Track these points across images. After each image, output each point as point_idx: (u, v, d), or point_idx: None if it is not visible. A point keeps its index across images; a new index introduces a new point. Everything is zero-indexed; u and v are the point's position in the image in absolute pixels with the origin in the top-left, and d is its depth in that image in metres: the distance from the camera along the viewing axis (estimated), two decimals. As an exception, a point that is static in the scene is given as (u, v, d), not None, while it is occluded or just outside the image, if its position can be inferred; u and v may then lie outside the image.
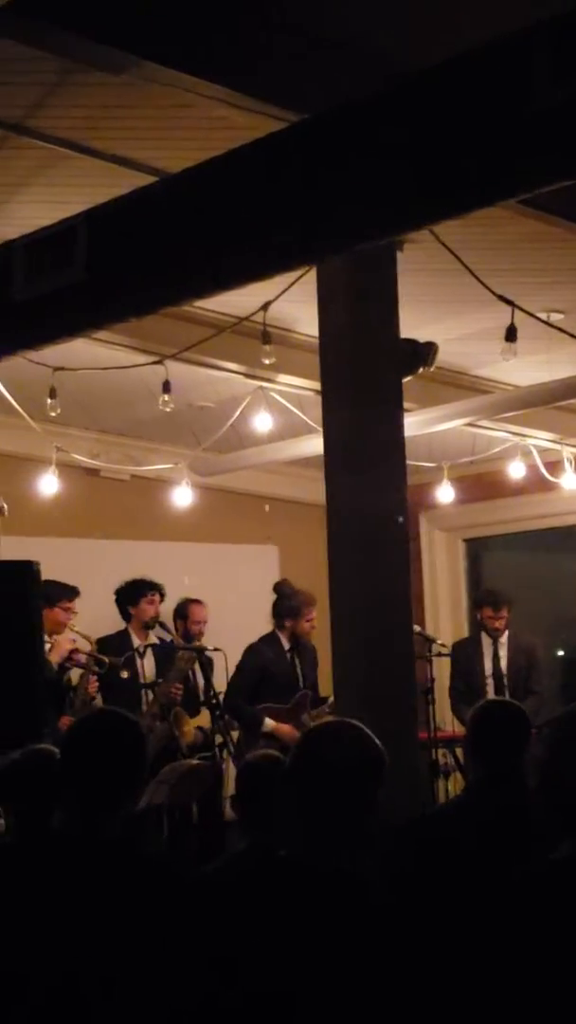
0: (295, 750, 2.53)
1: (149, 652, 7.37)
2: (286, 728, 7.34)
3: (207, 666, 7.42)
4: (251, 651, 7.58)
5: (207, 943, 2.31)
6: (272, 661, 7.57)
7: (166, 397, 5.91)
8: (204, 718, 7.42)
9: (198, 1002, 2.26)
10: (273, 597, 7.88)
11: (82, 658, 6.93)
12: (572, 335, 5.37)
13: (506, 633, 8.26)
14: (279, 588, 7.81)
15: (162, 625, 7.47)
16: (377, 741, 2.55)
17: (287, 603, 7.66)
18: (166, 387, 5.91)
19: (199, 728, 7.31)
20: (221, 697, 7.23)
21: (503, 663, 8.19)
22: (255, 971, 2.25)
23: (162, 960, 2.32)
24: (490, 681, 8.14)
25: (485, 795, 3.59)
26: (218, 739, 7.22)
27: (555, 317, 6.22)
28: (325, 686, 7.14)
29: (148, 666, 7.33)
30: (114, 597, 7.53)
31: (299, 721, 7.34)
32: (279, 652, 7.61)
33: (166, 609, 7.74)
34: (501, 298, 4.74)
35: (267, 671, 7.54)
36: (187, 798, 6.31)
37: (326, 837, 2.38)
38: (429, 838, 3.61)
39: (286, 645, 7.63)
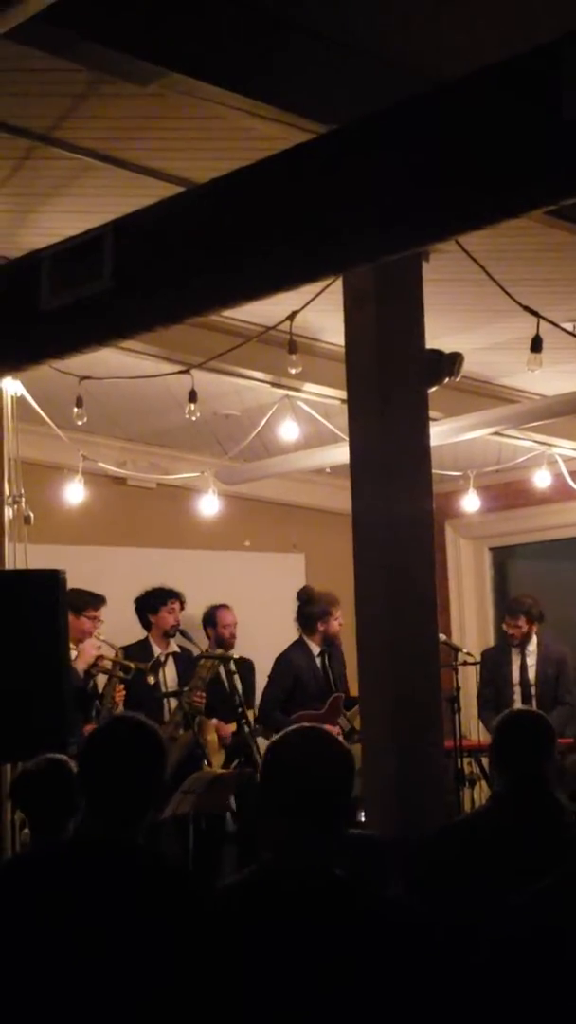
0: (263, 760, 2.50)
1: (171, 661, 7.38)
2: None
3: (246, 673, 7.50)
4: (281, 661, 7.67)
5: (221, 954, 2.31)
6: (303, 669, 7.65)
7: (192, 406, 5.93)
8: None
9: (211, 1012, 2.26)
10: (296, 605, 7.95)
11: (108, 664, 6.94)
12: (598, 345, 5.37)
13: (534, 641, 8.24)
14: (302, 594, 7.87)
15: (183, 633, 7.49)
16: (343, 743, 2.52)
17: (314, 607, 7.74)
18: (192, 396, 5.92)
19: (234, 734, 7.32)
20: (249, 706, 7.35)
21: (531, 672, 8.18)
22: (266, 982, 2.25)
23: (176, 969, 2.32)
24: (517, 690, 8.13)
25: (510, 804, 3.58)
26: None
27: (580, 327, 6.22)
28: (355, 685, 7.19)
29: (170, 675, 7.34)
30: (134, 606, 7.55)
31: (334, 724, 7.40)
32: (309, 659, 7.69)
33: (192, 616, 7.76)
34: (526, 308, 4.74)
35: (298, 679, 7.63)
36: (213, 807, 6.32)
37: (304, 844, 2.37)
38: (455, 847, 3.61)
39: (315, 650, 7.70)
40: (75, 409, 5.99)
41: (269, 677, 7.54)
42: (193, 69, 3.75)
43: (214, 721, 7.28)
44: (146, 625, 7.50)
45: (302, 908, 2.29)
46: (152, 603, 7.48)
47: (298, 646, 7.75)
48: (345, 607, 6.80)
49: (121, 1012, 2.46)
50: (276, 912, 2.29)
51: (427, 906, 3.41)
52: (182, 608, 7.57)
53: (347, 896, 2.34)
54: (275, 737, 2.56)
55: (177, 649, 7.48)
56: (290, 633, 8.19)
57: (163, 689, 7.21)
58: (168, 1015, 2.33)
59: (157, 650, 7.37)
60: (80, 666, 6.78)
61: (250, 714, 7.55)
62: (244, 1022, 2.24)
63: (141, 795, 2.88)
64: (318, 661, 7.68)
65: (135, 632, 7.49)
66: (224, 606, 7.92)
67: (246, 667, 7.70)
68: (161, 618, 7.43)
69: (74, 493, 7.28)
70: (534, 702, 7.93)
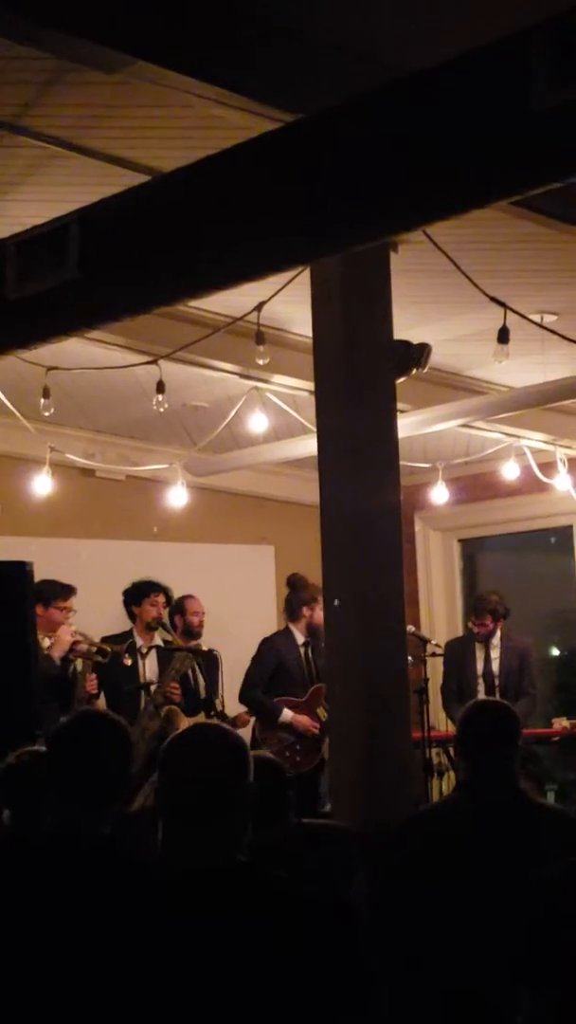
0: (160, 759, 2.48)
1: (153, 653, 7.41)
2: (304, 719, 7.51)
3: (210, 667, 7.54)
4: (267, 643, 7.79)
5: (182, 943, 2.30)
6: (286, 655, 7.75)
7: (160, 397, 5.91)
8: (201, 718, 7.47)
9: (178, 1003, 2.26)
10: (271, 596, 7.99)
11: (84, 649, 6.94)
12: (565, 337, 5.37)
13: (498, 634, 8.29)
14: (292, 581, 7.96)
15: (164, 627, 7.54)
16: (232, 732, 2.50)
17: (303, 593, 7.82)
18: (160, 387, 5.90)
19: None
20: (218, 700, 7.39)
21: (495, 664, 8.23)
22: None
23: (142, 959, 2.32)
24: (481, 681, 8.19)
25: (474, 793, 3.60)
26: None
27: (548, 319, 6.24)
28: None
29: (150, 667, 7.37)
30: (122, 599, 7.59)
31: (314, 714, 7.48)
32: (293, 647, 7.78)
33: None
34: (494, 299, 4.75)
35: (282, 664, 7.73)
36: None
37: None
38: (420, 836, 3.62)
39: (300, 639, 7.78)
40: (42, 400, 5.96)
41: (253, 658, 7.66)
42: (159, 57, 3.73)
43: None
44: (131, 616, 7.56)
45: (210, 903, 2.28)
46: (136, 595, 7.54)
47: (283, 633, 7.86)
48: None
49: (82, 1002, 2.44)
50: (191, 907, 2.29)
51: (392, 895, 3.42)
52: (168, 602, 7.60)
53: (255, 884, 2.32)
54: (172, 736, 2.54)
55: (160, 643, 7.50)
56: (260, 624, 8.20)
57: (141, 680, 7.23)
58: (133, 1005, 2.32)
59: (140, 642, 7.42)
60: (56, 654, 6.78)
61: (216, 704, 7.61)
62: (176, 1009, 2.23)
63: (107, 787, 2.87)
64: (302, 650, 7.75)
65: (105, 624, 7.49)
66: (191, 596, 7.95)
67: (211, 660, 7.72)
68: (144, 610, 7.49)
69: (42, 485, 7.25)
70: (498, 693, 7.98)
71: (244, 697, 7.65)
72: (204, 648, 7.52)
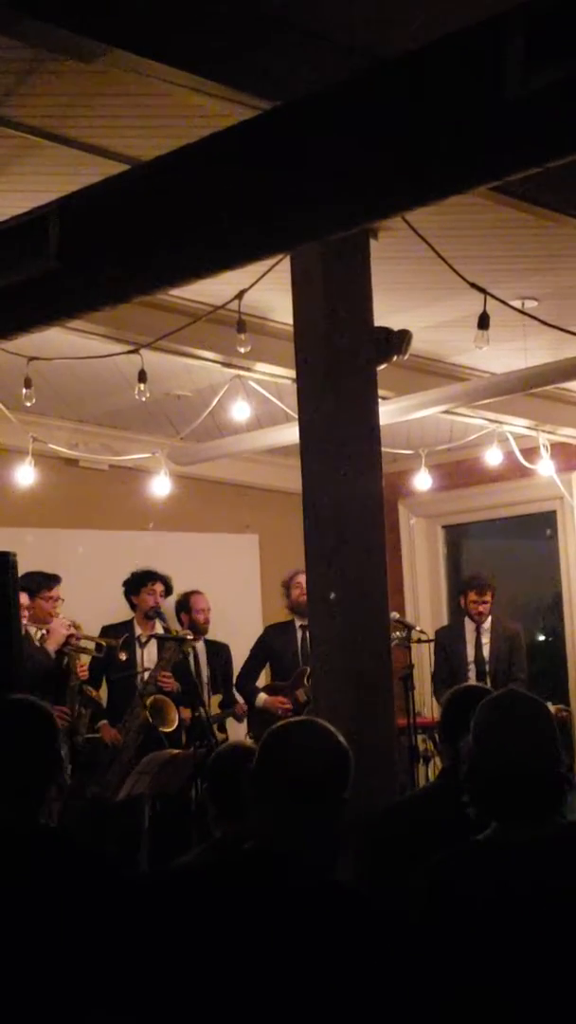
0: (260, 747, 2.51)
1: (152, 642, 7.44)
2: (274, 700, 7.60)
3: (222, 656, 7.71)
4: (261, 636, 8.08)
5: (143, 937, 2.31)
6: (279, 646, 7.96)
7: (142, 386, 5.90)
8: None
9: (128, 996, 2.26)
10: (255, 584, 8.09)
11: (79, 643, 6.95)
12: (546, 322, 5.39)
13: (489, 619, 8.31)
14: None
15: (159, 615, 7.59)
16: (341, 738, 2.54)
17: (283, 583, 8.03)
18: (142, 376, 5.90)
19: (193, 717, 7.37)
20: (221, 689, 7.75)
21: (486, 650, 8.25)
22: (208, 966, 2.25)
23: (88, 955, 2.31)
24: (472, 667, 8.21)
25: (457, 779, 3.60)
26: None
27: (529, 304, 6.25)
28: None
29: (149, 656, 7.41)
30: (123, 588, 7.68)
31: (292, 695, 7.55)
32: (289, 636, 7.97)
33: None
34: (473, 286, 4.75)
35: (274, 654, 7.97)
36: (168, 787, 6.32)
37: (294, 832, 2.38)
38: (404, 822, 3.63)
39: (297, 623, 7.91)
40: (24, 390, 5.95)
41: (251, 650, 7.98)
42: (137, 46, 3.72)
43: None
44: (132, 606, 7.63)
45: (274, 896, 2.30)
46: (135, 584, 7.62)
47: (282, 624, 8.10)
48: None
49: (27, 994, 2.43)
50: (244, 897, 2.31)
51: (376, 881, 3.43)
52: (167, 591, 7.64)
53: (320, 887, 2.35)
54: (273, 726, 2.58)
55: (161, 631, 7.53)
56: (245, 613, 8.24)
57: (139, 669, 7.26)
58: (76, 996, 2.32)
59: (139, 631, 7.47)
60: (51, 646, 6.79)
61: (214, 699, 7.70)
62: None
63: (33, 774, 2.83)
64: (299, 634, 7.82)
65: (91, 614, 7.51)
66: (197, 592, 8.04)
67: (222, 650, 7.87)
68: (142, 599, 7.57)
69: (25, 475, 7.24)
70: (488, 679, 8.00)
71: (237, 688, 7.90)
72: (203, 639, 7.68)
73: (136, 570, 7.67)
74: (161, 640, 7.40)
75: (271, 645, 7.97)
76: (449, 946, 2.52)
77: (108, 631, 7.34)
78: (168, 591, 7.69)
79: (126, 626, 7.47)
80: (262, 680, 8.07)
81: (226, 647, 7.98)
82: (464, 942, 2.50)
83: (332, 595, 4.47)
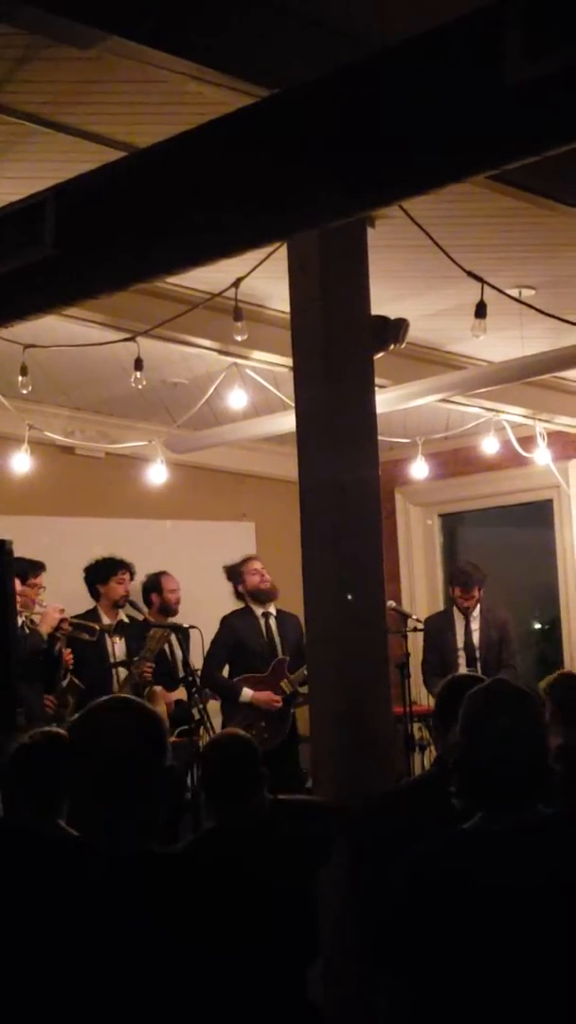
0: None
1: (121, 632, 7.39)
2: (264, 695, 7.53)
3: (185, 641, 7.51)
4: (222, 623, 7.79)
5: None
6: (244, 632, 7.74)
7: (139, 374, 5.90)
8: (181, 693, 7.48)
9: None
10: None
11: (69, 628, 6.94)
12: (542, 311, 5.38)
13: (479, 607, 8.33)
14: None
15: (132, 604, 7.52)
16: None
17: (231, 570, 7.88)
18: (138, 364, 5.89)
19: (178, 702, 7.35)
20: (198, 673, 7.31)
21: (475, 637, 8.27)
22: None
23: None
24: (462, 654, 8.23)
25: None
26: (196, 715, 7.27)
27: (526, 293, 6.25)
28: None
29: (119, 645, 7.34)
30: (83, 575, 7.54)
31: (277, 688, 7.50)
32: (251, 622, 7.78)
33: (132, 586, 7.77)
34: (471, 274, 4.74)
35: (240, 642, 7.72)
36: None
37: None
38: (398, 811, 3.64)
39: (258, 611, 7.79)
40: (20, 378, 5.94)
41: (212, 640, 7.60)
42: (134, 32, 3.70)
43: (159, 689, 7.29)
44: (95, 595, 7.51)
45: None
46: (101, 573, 7.50)
47: (242, 611, 7.87)
48: (294, 574, 6.88)
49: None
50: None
51: (371, 871, 3.44)
52: (132, 579, 7.58)
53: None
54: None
55: (126, 619, 7.49)
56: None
57: (112, 659, 7.21)
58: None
59: (106, 620, 7.37)
60: (45, 629, 6.77)
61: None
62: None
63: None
64: (261, 623, 7.75)
65: (85, 602, 7.48)
66: (165, 573, 7.96)
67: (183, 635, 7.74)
68: (111, 588, 7.46)
69: (21, 463, 7.24)
70: (479, 666, 8.02)
71: (204, 679, 7.54)
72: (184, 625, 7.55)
73: (99, 558, 7.53)
74: (137, 627, 7.34)
75: (238, 635, 7.73)
76: (430, 934, 2.53)
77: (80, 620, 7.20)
78: (132, 578, 7.62)
79: (92, 615, 7.34)
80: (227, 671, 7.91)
81: (186, 631, 7.81)
82: (445, 930, 2.51)
83: (336, 583, 4.46)
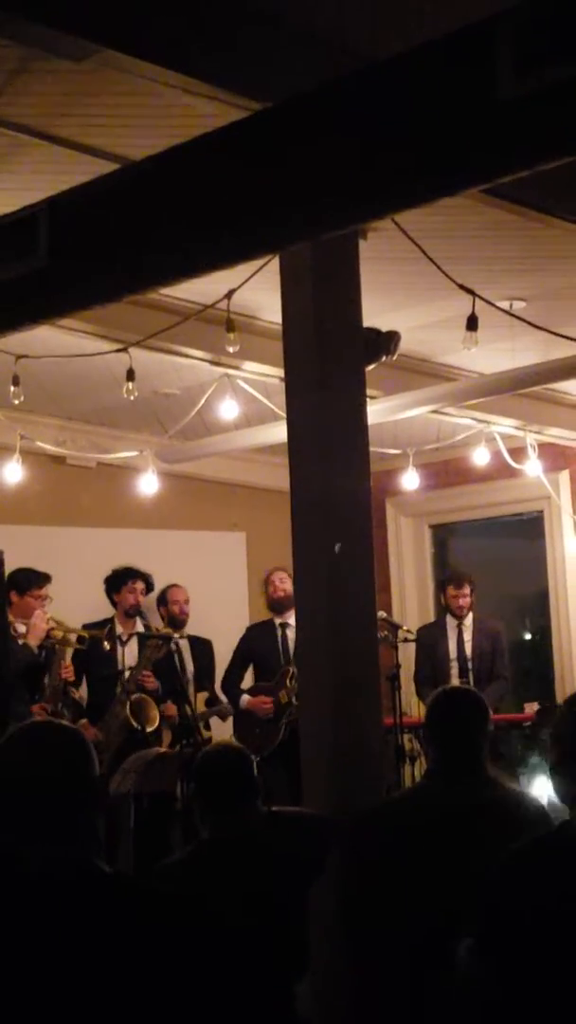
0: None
1: (133, 640, 7.43)
2: (256, 700, 7.59)
3: (205, 652, 7.70)
4: (243, 637, 8.01)
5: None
6: (259, 642, 7.91)
7: (130, 385, 5.91)
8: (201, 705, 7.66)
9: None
10: (242, 583, 8.09)
11: (60, 635, 6.94)
12: (533, 324, 5.40)
13: (471, 616, 8.34)
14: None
15: (140, 614, 7.59)
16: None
17: (263, 580, 8.04)
18: (130, 375, 5.90)
19: (180, 715, 7.38)
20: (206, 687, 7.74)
21: (467, 647, 8.27)
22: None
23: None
24: (454, 665, 8.23)
25: (442, 780, 3.62)
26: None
27: (517, 305, 6.26)
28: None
29: (130, 654, 7.39)
30: (103, 586, 7.67)
31: (276, 695, 7.55)
32: (268, 633, 7.91)
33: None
34: (462, 287, 4.76)
35: (255, 653, 7.92)
36: (155, 786, 6.33)
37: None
38: (389, 823, 3.64)
39: (276, 622, 7.90)
40: (12, 388, 5.95)
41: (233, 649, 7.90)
42: (128, 45, 3.72)
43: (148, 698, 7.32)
44: (113, 604, 7.63)
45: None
46: (116, 582, 7.62)
47: (262, 623, 8.06)
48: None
49: None
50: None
51: (362, 883, 3.44)
52: (148, 589, 7.64)
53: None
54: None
55: (142, 630, 7.53)
56: (232, 611, 8.24)
57: (121, 666, 7.26)
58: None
59: (120, 629, 7.45)
60: (33, 641, 6.78)
61: (200, 696, 7.70)
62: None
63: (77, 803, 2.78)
64: (278, 633, 7.81)
65: (77, 612, 7.50)
66: (175, 585, 8.09)
67: (204, 647, 7.87)
68: (123, 597, 7.58)
69: (12, 473, 7.24)
70: (471, 676, 8.02)
71: (223, 690, 7.88)
72: (186, 636, 7.67)
73: (117, 568, 7.66)
74: (143, 638, 7.39)
75: (253, 645, 7.93)
76: (525, 933, 2.47)
77: (89, 630, 7.32)
78: (149, 588, 7.69)
79: (106, 624, 7.47)
80: (248, 680, 8.05)
81: (209, 643, 7.96)
82: (540, 929, 2.45)
83: (327, 593, 4.47)
